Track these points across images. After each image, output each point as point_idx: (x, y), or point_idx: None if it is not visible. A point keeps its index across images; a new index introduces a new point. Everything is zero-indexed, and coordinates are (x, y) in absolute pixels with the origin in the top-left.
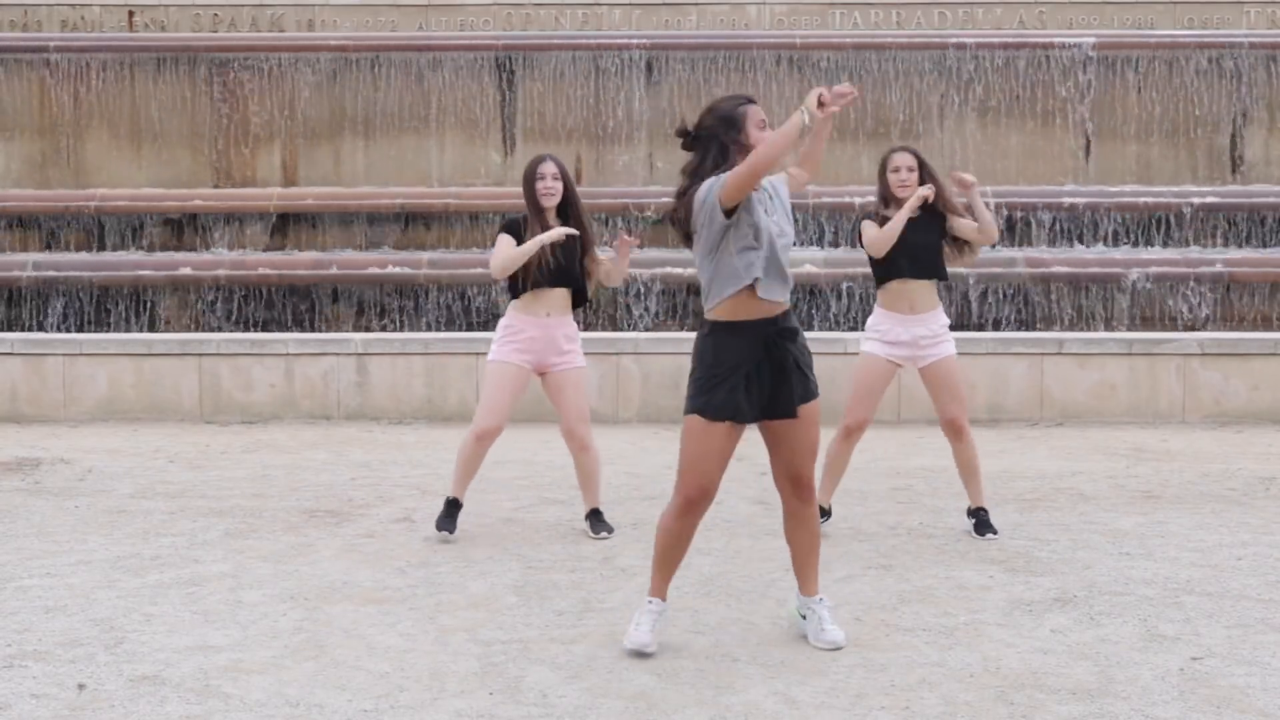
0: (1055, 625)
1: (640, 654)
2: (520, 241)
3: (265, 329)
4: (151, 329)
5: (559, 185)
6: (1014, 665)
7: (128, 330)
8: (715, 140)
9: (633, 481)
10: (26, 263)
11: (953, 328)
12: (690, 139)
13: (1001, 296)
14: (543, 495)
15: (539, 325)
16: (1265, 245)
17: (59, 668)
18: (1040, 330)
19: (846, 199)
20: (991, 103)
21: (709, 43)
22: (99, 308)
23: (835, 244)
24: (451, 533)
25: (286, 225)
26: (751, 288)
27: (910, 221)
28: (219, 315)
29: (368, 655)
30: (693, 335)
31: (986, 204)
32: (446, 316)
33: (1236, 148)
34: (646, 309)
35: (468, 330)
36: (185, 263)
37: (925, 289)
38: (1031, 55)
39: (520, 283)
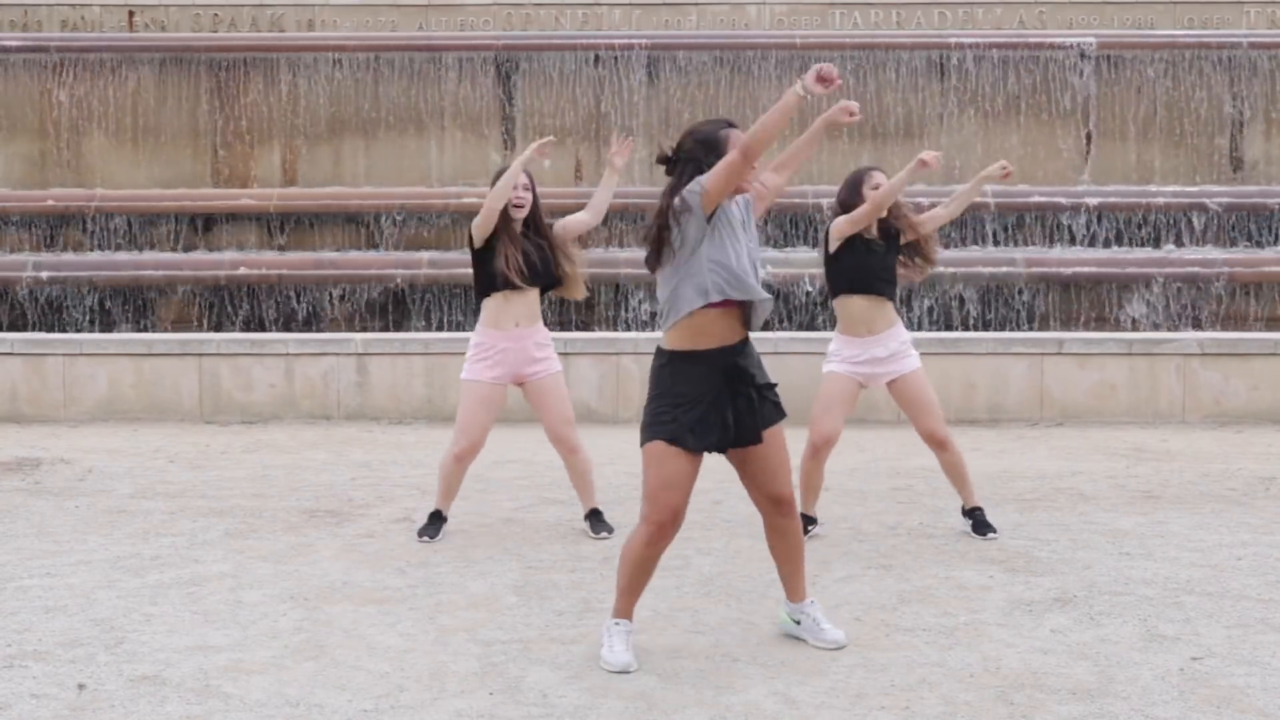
0: (1055, 625)
1: (625, 673)
2: (491, 240)
3: (265, 329)
4: (151, 329)
5: (528, 196)
6: (1014, 665)
7: (128, 330)
8: (694, 163)
9: (633, 481)
10: (26, 263)
11: (952, 328)
12: (670, 162)
13: (1003, 297)
14: (543, 495)
15: (509, 338)
16: (1265, 245)
17: (59, 668)
18: (1040, 330)
19: None
20: (991, 103)
21: (709, 43)
22: (99, 308)
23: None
24: (434, 538)
25: (286, 225)
26: (714, 307)
27: (867, 241)
28: (219, 315)
29: (368, 655)
30: None
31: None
32: (446, 316)
33: (1236, 148)
34: (648, 309)
35: (468, 330)
36: (185, 263)
37: (879, 308)
38: (1031, 55)
39: (491, 281)
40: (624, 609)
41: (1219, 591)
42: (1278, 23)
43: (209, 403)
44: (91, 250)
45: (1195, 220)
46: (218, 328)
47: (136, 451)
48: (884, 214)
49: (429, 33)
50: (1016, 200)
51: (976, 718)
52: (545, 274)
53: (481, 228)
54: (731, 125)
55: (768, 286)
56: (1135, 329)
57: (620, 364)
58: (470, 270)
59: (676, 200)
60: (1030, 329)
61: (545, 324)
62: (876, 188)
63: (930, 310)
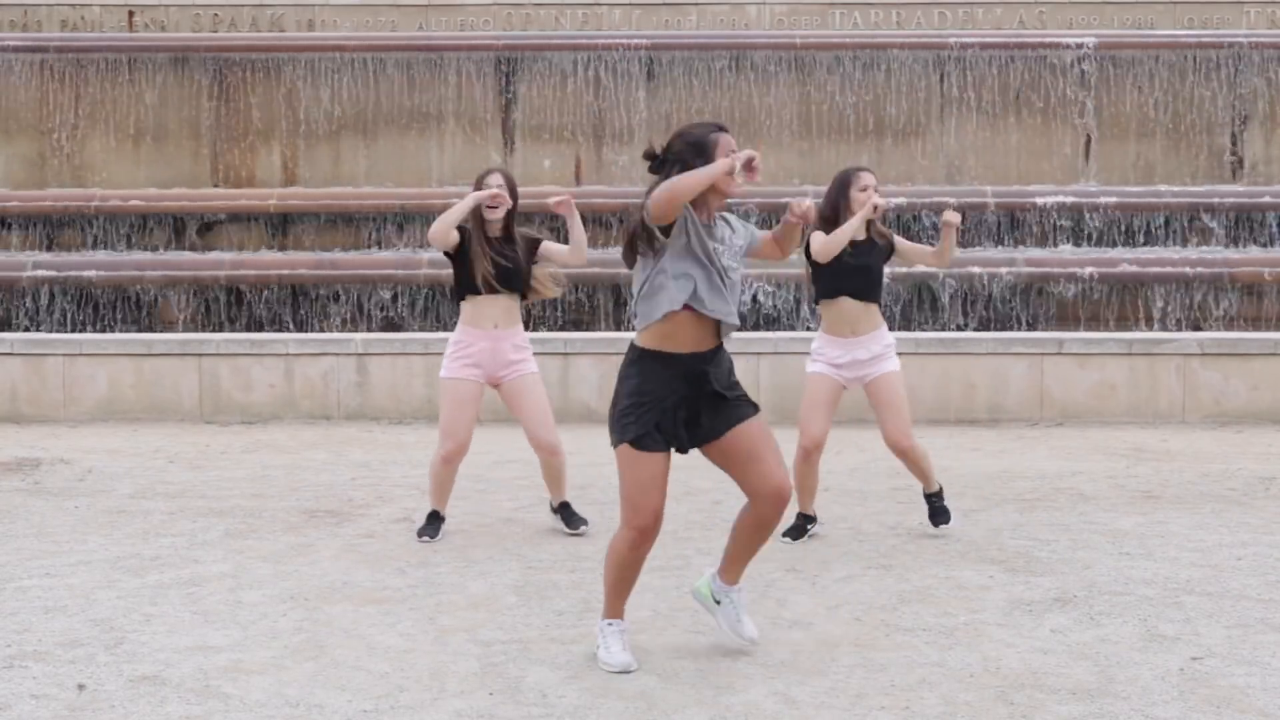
0: (1055, 625)
1: (626, 672)
2: (464, 241)
3: (265, 329)
4: (151, 329)
5: (504, 197)
6: (1014, 665)
7: (128, 330)
8: (680, 165)
9: None
10: (26, 263)
11: (949, 329)
12: (657, 162)
13: (1001, 297)
14: (543, 495)
15: (487, 337)
16: (1265, 245)
17: (59, 668)
18: (1040, 330)
19: None
20: (991, 103)
21: (709, 43)
22: (99, 308)
23: None
24: (434, 537)
25: (286, 225)
26: (685, 313)
27: (856, 244)
28: (219, 315)
29: (368, 655)
30: None
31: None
32: (446, 317)
33: (1236, 148)
34: None
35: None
36: (185, 263)
37: (864, 311)
38: (1031, 55)
39: (466, 284)
40: (614, 610)
41: (1219, 591)
42: (1278, 23)
43: (209, 403)
44: (91, 250)
45: (1195, 220)
46: (218, 328)
47: (136, 451)
48: (874, 220)
49: (429, 33)
50: (1017, 200)
51: (976, 718)
52: (515, 281)
53: (435, 241)
54: (721, 129)
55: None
56: (1135, 329)
57: (620, 364)
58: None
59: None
60: (1030, 329)
61: (545, 325)
62: (865, 189)
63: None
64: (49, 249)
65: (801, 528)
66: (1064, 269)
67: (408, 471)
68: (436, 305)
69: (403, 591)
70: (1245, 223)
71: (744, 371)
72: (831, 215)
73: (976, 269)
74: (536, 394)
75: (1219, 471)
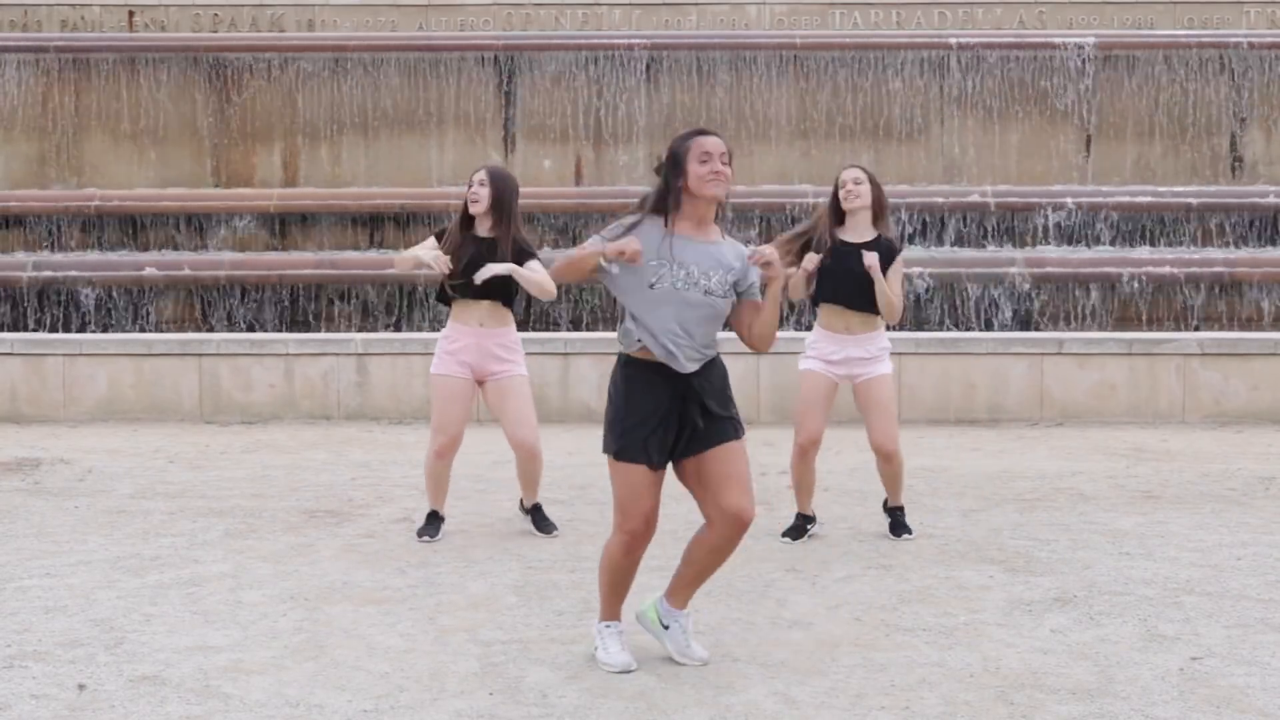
0: (1055, 625)
1: (627, 672)
2: (439, 245)
3: (265, 329)
4: (152, 329)
5: (484, 191)
6: (1014, 665)
7: (128, 330)
8: (663, 178)
9: None
10: (26, 263)
11: (949, 328)
12: (659, 174)
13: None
14: (542, 495)
15: (472, 334)
16: (1265, 245)
17: (59, 668)
18: (1040, 330)
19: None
20: (991, 103)
21: (709, 43)
22: (99, 308)
23: None
24: (434, 537)
25: (286, 225)
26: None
27: (844, 248)
28: (219, 315)
29: (368, 655)
30: None
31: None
32: (446, 317)
33: (1236, 148)
34: None
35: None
36: (185, 263)
37: (862, 316)
38: (1031, 55)
39: (443, 289)
40: (611, 612)
41: (1219, 591)
42: (1278, 23)
43: (209, 403)
44: (91, 250)
45: (1194, 220)
46: (218, 328)
47: (136, 451)
48: (871, 221)
49: (429, 33)
50: (1016, 200)
51: (976, 718)
52: (490, 287)
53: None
54: (702, 133)
55: None
56: (1134, 329)
57: None
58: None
59: None
60: (1030, 329)
61: (548, 324)
62: (844, 186)
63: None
64: (49, 249)
65: (801, 528)
66: (1063, 268)
67: (408, 471)
68: (436, 306)
69: (403, 591)
70: (1245, 223)
71: (744, 372)
72: (836, 216)
73: (976, 269)
74: (519, 395)
75: (1219, 471)
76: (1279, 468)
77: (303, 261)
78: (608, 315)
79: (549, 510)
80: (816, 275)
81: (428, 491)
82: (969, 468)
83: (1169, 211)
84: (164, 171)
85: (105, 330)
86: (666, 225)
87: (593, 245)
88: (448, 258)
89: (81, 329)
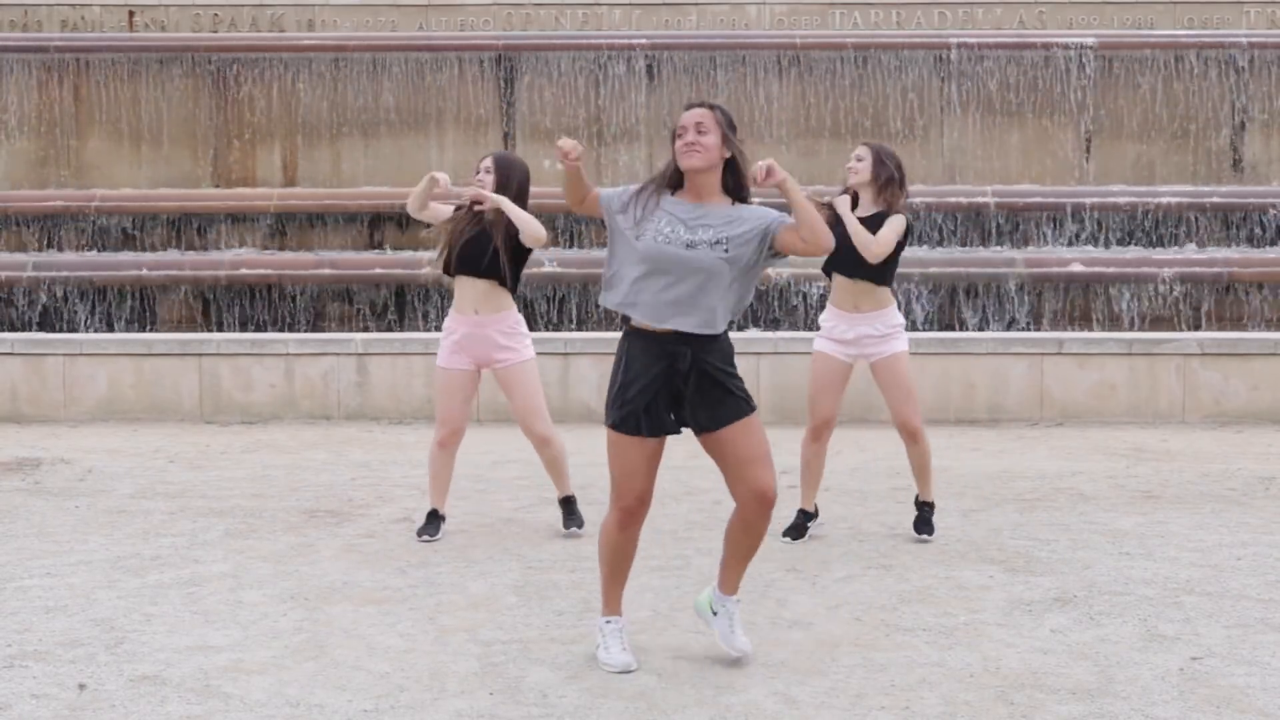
0: (1055, 625)
1: (627, 672)
2: (461, 214)
3: (265, 329)
4: (151, 329)
5: (489, 178)
6: (1014, 665)
7: (128, 330)
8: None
9: None
10: (26, 263)
11: (951, 328)
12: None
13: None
14: (543, 495)
15: (469, 324)
16: (1265, 245)
17: (59, 668)
18: (1040, 330)
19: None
20: (991, 103)
21: (709, 43)
22: (98, 308)
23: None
24: (434, 537)
25: (286, 225)
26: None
27: (861, 220)
28: (219, 315)
29: (368, 655)
30: None
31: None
32: (446, 316)
33: (1236, 148)
34: None
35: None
36: (185, 263)
37: (865, 290)
38: (1031, 55)
39: (446, 262)
40: (611, 603)
41: (1219, 591)
42: (1278, 23)
43: (209, 403)
44: (91, 250)
45: (1195, 220)
46: (218, 328)
47: (136, 451)
48: (875, 196)
49: (429, 33)
50: (1016, 200)
51: (976, 718)
52: (479, 265)
53: (410, 210)
54: (697, 105)
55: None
56: (1134, 329)
57: None
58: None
59: None
60: (1030, 329)
61: (547, 324)
62: (849, 165)
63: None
64: (49, 249)
65: (802, 526)
66: (1063, 268)
67: (408, 471)
68: (436, 305)
69: (403, 591)
70: (1245, 223)
71: (744, 371)
72: (855, 196)
73: (976, 269)
74: (526, 384)
75: (1219, 471)
76: (1279, 468)
77: (303, 261)
78: (608, 315)
79: (554, 510)
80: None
81: (429, 486)
82: (969, 468)
83: (1169, 211)
84: (164, 171)
85: (105, 330)
86: (666, 191)
87: (604, 189)
88: (444, 175)
89: (81, 329)
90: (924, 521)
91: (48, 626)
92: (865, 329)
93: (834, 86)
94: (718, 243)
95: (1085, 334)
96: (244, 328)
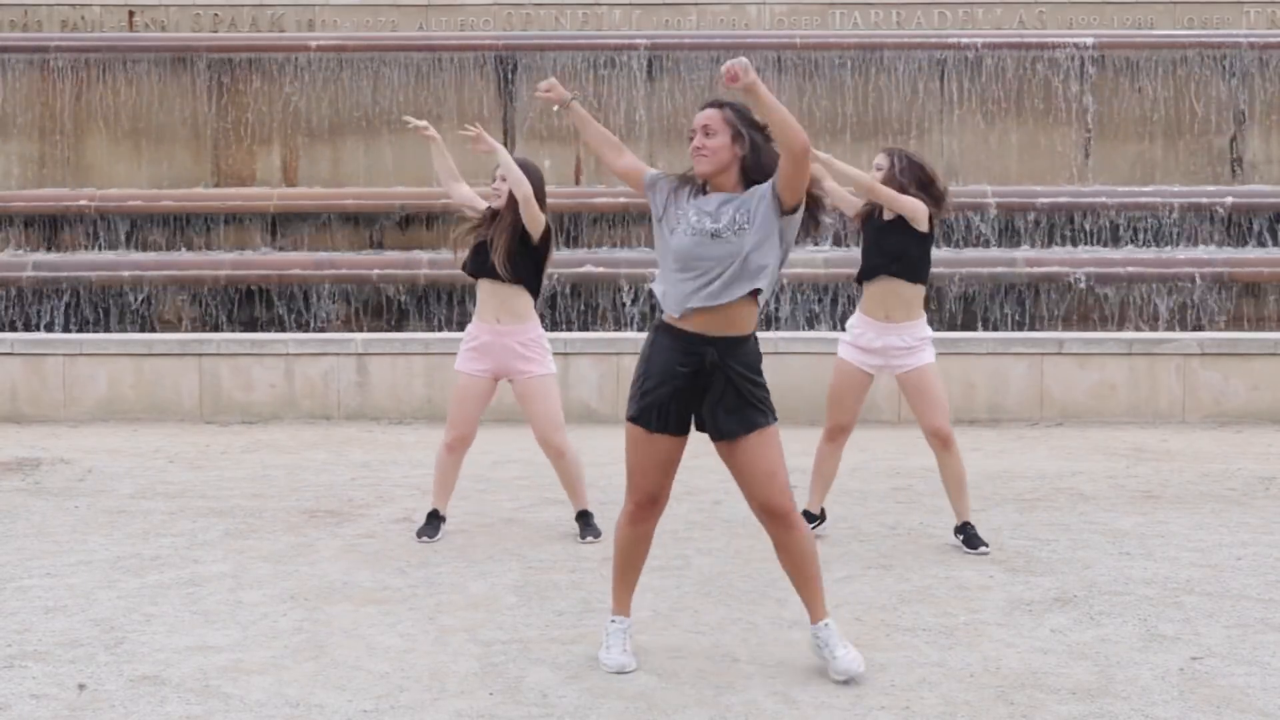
0: (1055, 625)
1: (623, 673)
2: (481, 216)
3: (265, 329)
4: (151, 329)
5: (504, 187)
6: (1014, 665)
7: (128, 330)
8: None
9: None
10: (26, 263)
11: (950, 328)
12: None
13: (1000, 297)
14: (543, 495)
15: (491, 332)
16: (1265, 245)
17: (59, 668)
18: (1040, 330)
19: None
20: (991, 103)
21: (709, 43)
22: (98, 308)
23: (838, 243)
24: (433, 537)
25: (286, 225)
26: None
27: (880, 224)
28: (219, 315)
29: (368, 655)
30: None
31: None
32: (447, 317)
33: (1236, 148)
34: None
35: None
36: (185, 263)
37: (895, 295)
38: (1031, 55)
39: (468, 263)
40: (619, 602)
41: (1219, 591)
42: (1278, 23)
43: (209, 403)
44: (91, 250)
45: (1195, 220)
46: (217, 328)
47: (136, 451)
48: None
49: (429, 33)
50: (1017, 200)
51: (976, 718)
52: (486, 265)
53: (451, 195)
54: (710, 105)
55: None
56: (1135, 329)
57: (620, 364)
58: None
59: None
60: (1030, 329)
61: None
62: (876, 165)
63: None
64: (49, 249)
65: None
66: (1063, 268)
67: (408, 471)
68: (436, 305)
69: (403, 591)
70: (1245, 223)
71: None
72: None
73: (976, 269)
74: (544, 397)
75: (1219, 471)
76: (1279, 468)
77: (303, 261)
78: (608, 315)
79: (554, 510)
80: (861, 257)
81: (434, 486)
82: (969, 468)
83: (1169, 212)
84: (164, 171)
85: (105, 330)
86: (698, 188)
87: (651, 169)
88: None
89: (81, 329)
90: (972, 539)
91: (47, 626)
92: (894, 339)
93: (834, 86)
94: (737, 223)
95: (1085, 334)
96: (244, 328)
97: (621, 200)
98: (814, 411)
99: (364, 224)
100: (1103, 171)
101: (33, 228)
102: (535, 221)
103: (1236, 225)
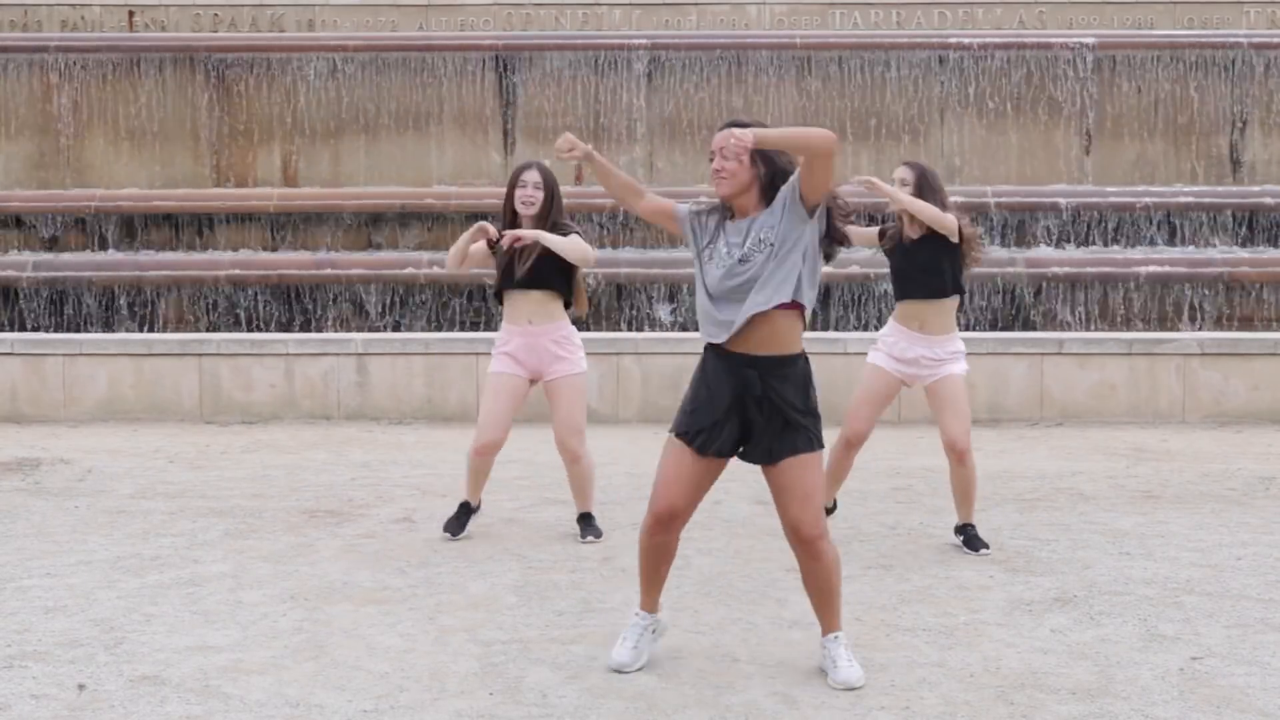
0: (1055, 625)
1: (620, 672)
2: (492, 247)
3: (265, 329)
4: (151, 329)
5: (539, 194)
6: (1014, 665)
7: (128, 330)
8: None
9: (633, 481)
10: (26, 263)
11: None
12: None
13: (1000, 297)
14: (543, 495)
15: (523, 334)
16: (1265, 245)
17: (59, 668)
18: (1040, 330)
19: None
20: (991, 103)
21: (709, 43)
22: (99, 308)
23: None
24: (454, 535)
25: (286, 225)
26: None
27: (909, 245)
28: (219, 315)
29: (368, 655)
30: (692, 335)
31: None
32: (446, 316)
33: (1236, 148)
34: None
35: (467, 330)
36: (185, 263)
37: (937, 310)
38: (1031, 55)
39: (497, 284)
40: (644, 600)
41: (1219, 591)
42: (1278, 23)
43: (209, 403)
44: (91, 250)
45: (1195, 220)
46: (217, 328)
47: (136, 451)
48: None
49: (429, 33)
50: (1016, 200)
51: (976, 718)
52: (537, 276)
53: (450, 268)
54: (731, 124)
55: None
56: (1134, 329)
57: (620, 364)
58: (471, 270)
59: None
60: (1030, 329)
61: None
62: (894, 181)
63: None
64: (49, 249)
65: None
66: (1063, 268)
67: (408, 471)
68: (436, 305)
69: (403, 591)
70: (1245, 223)
71: None
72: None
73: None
74: (573, 400)
75: (1219, 471)
76: (1279, 468)
77: (303, 261)
78: (608, 315)
79: (554, 510)
80: (892, 278)
81: (466, 481)
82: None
83: (1169, 211)
84: (164, 171)
85: (105, 330)
86: (726, 215)
87: (679, 205)
88: (489, 226)
89: (81, 329)
90: (973, 539)
91: (47, 627)
92: (925, 351)
93: (834, 86)
94: (762, 242)
95: (1085, 334)
96: (244, 328)
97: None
98: None
99: (364, 224)
100: (1102, 172)
101: (33, 228)
102: (586, 261)
103: (1237, 225)
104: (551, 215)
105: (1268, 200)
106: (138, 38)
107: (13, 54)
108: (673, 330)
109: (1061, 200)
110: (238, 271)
